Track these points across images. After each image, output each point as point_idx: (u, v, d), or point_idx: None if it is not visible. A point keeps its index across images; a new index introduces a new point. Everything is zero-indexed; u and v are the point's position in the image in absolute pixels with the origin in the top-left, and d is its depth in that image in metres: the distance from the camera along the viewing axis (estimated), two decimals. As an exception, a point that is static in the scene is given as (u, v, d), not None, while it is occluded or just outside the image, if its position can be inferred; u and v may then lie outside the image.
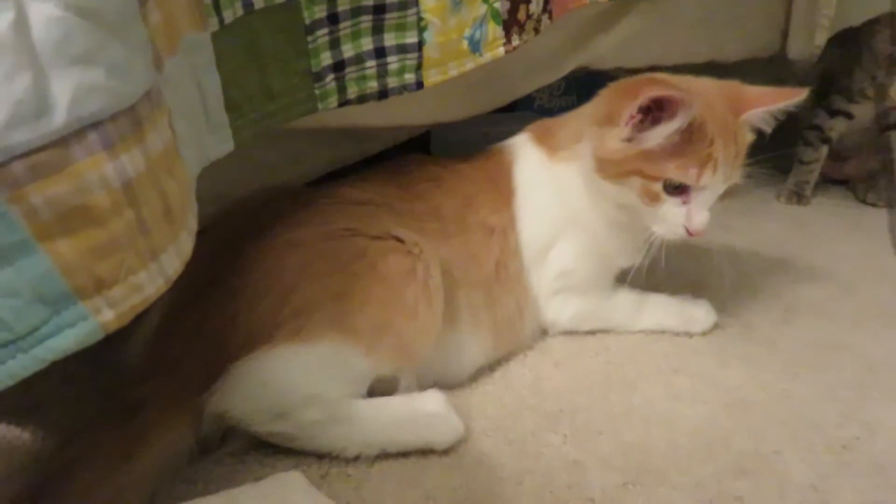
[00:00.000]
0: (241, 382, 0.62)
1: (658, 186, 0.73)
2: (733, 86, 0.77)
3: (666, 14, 1.10)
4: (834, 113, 1.35)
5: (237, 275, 0.66)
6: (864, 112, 1.34)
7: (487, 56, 0.76)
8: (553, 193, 0.82)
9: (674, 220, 0.74)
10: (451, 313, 0.73)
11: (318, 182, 0.86)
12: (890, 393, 0.80)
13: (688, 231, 0.74)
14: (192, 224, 0.52)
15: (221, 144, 0.61)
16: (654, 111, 0.70)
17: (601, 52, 1.02)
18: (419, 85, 0.72)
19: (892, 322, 0.95)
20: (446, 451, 0.68)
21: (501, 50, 0.77)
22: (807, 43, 1.33)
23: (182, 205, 0.49)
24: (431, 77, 0.72)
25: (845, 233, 1.27)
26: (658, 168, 0.72)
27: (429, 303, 0.69)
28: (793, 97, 0.75)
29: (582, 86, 1.47)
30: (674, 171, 0.72)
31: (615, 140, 0.73)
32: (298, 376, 0.64)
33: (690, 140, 0.71)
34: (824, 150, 1.38)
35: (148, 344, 0.65)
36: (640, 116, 0.71)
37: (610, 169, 0.75)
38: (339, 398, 0.65)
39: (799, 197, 1.40)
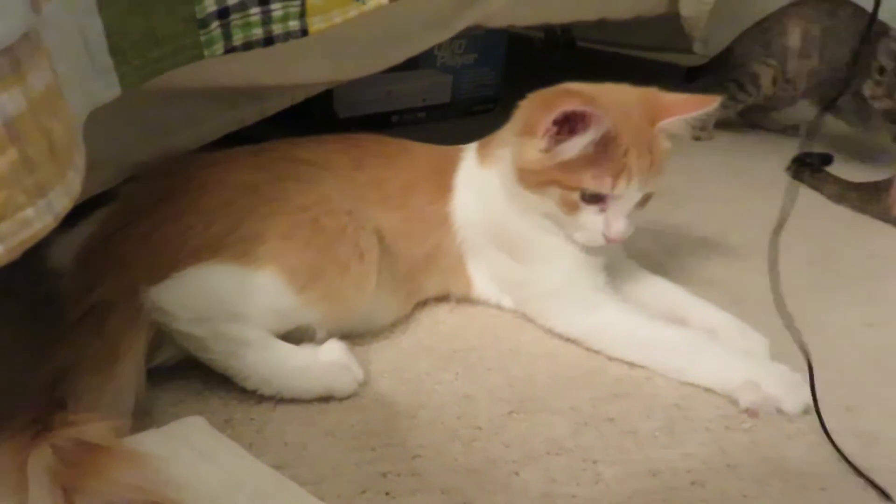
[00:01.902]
0: (178, 284, 0.67)
1: (576, 196, 0.76)
2: (651, 93, 0.79)
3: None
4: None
5: (192, 199, 0.72)
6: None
7: (371, 4, 0.78)
8: (481, 198, 0.84)
9: (592, 227, 0.78)
10: (379, 278, 0.77)
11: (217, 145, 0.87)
12: (751, 324, 0.88)
13: (606, 238, 0.78)
14: (80, 164, 0.53)
15: (108, 89, 0.62)
16: (570, 122, 0.73)
17: (493, 9, 1.05)
18: (304, 32, 0.74)
19: (761, 261, 1.04)
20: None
21: (385, -2, 0.79)
22: (697, 1, 1.41)
23: (68, 145, 0.50)
24: (315, 24, 0.75)
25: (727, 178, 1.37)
26: (575, 178, 0.75)
27: (360, 261, 0.75)
28: (709, 105, 0.77)
29: (483, 44, 1.51)
30: (589, 181, 0.75)
31: (533, 151, 0.76)
32: (231, 292, 0.68)
33: (605, 150, 0.74)
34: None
35: (90, 250, 0.70)
36: (555, 129, 0.73)
37: (530, 179, 0.77)
38: (260, 325, 0.70)
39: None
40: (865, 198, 1.22)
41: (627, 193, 0.76)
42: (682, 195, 1.25)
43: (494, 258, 0.85)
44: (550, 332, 0.83)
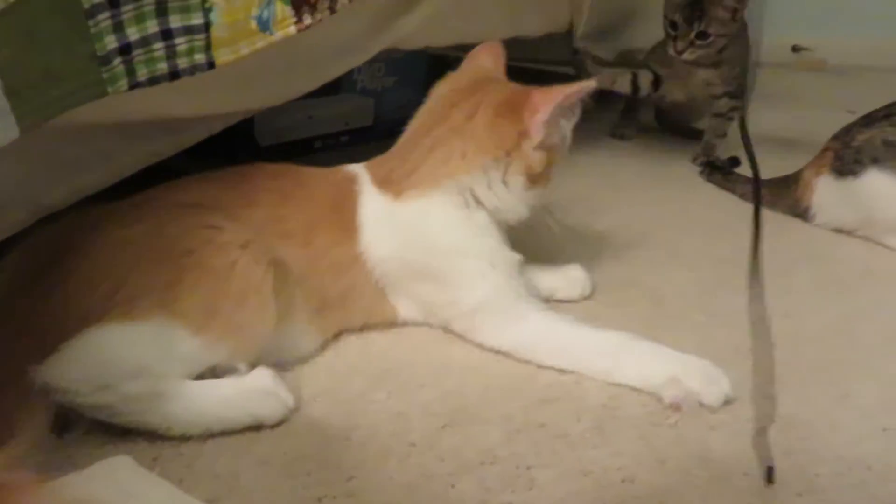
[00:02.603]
0: (68, 356, 0.64)
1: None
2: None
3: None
4: None
5: (73, 264, 0.70)
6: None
7: (279, 35, 0.79)
8: (398, 234, 0.84)
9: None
10: (288, 307, 0.77)
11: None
12: (673, 322, 0.92)
13: None
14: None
15: (5, 132, 0.60)
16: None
17: (407, 32, 1.07)
18: (210, 65, 0.74)
19: (681, 262, 1.09)
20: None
21: (293, 28, 0.80)
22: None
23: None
24: (223, 56, 0.75)
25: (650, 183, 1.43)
26: (561, 151, 0.86)
27: (258, 292, 0.73)
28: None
29: (403, 66, 1.53)
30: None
31: (534, 152, 0.83)
32: (125, 350, 0.67)
33: None
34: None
35: None
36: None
37: (541, 178, 0.85)
38: (166, 375, 0.68)
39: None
40: (775, 193, 1.27)
41: None
42: (604, 203, 1.29)
43: (418, 288, 0.86)
44: (481, 347, 0.85)
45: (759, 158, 1.51)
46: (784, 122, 1.85)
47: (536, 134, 0.82)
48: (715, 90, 1.51)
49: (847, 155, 1.14)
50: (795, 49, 2.87)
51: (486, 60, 0.92)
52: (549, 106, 0.80)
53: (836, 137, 1.18)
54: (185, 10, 0.70)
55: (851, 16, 2.84)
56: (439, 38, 1.19)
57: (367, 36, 1.01)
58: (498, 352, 0.83)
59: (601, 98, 1.45)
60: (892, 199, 1.10)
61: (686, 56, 1.41)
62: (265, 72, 0.88)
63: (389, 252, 0.84)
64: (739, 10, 1.39)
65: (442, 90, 0.90)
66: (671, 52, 1.42)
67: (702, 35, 1.38)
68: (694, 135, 1.65)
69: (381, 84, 1.51)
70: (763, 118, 1.97)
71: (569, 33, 1.48)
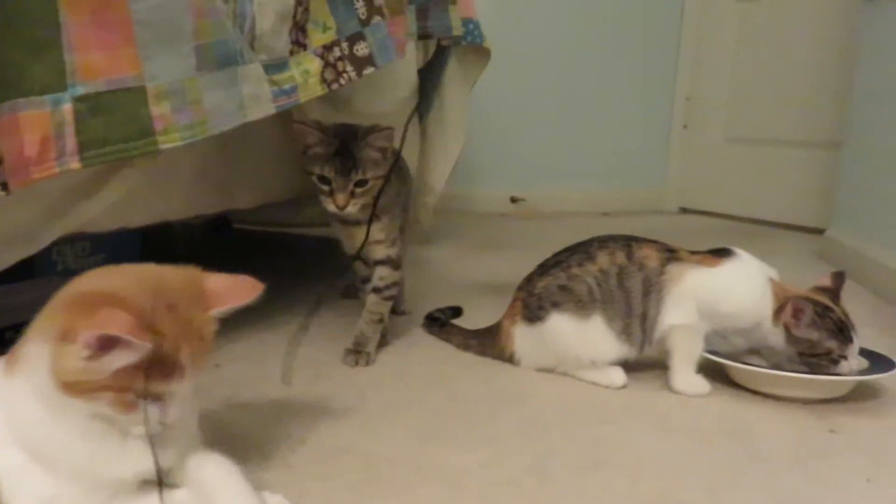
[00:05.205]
0: None
1: (131, 397, 0.71)
2: (195, 276, 0.78)
3: (162, 170, 1.17)
4: None
5: None
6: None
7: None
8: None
9: (152, 419, 0.73)
10: None
11: None
12: (384, 486, 0.91)
13: (164, 425, 0.74)
14: None
15: None
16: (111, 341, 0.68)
17: (91, 216, 1.03)
18: None
19: (397, 418, 1.10)
20: None
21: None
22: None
23: None
24: None
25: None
26: (128, 382, 0.70)
27: None
28: (256, 291, 0.79)
29: (113, 242, 1.47)
30: (143, 383, 0.71)
31: (75, 359, 0.68)
32: None
33: (158, 352, 0.71)
34: None
35: None
36: (97, 343, 0.68)
37: (75, 388, 0.70)
38: None
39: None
40: (484, 342, 1.37)
41: (181, 386, 0.74)
42: (324, 368, 1.30)
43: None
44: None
45: (477, 304, 1.63)
46: (502, 266, 2.03)
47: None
48: (378, 252, 1.38)
49: (532, 302, 1.26)
50: (514, 200, 3.22)
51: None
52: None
53: (521, 287, 1.31)
54: None
55: (558, 171, 3.28)
56: (137, 218, 1.16)
57: (39, 225, 0.96)
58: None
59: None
60: (575, 336, 1.23)
61: (350, 209, 1.26)
62: None
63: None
64: (388, 146, 1.29)
65: None
66: (331, 209, 1.27)
67: (361, 183, 1.25)
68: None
69: (86, 263, 1.42)
70: (482, 263, 2.16)
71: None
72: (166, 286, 0.75)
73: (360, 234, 1.35)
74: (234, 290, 0.78)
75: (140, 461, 0.75)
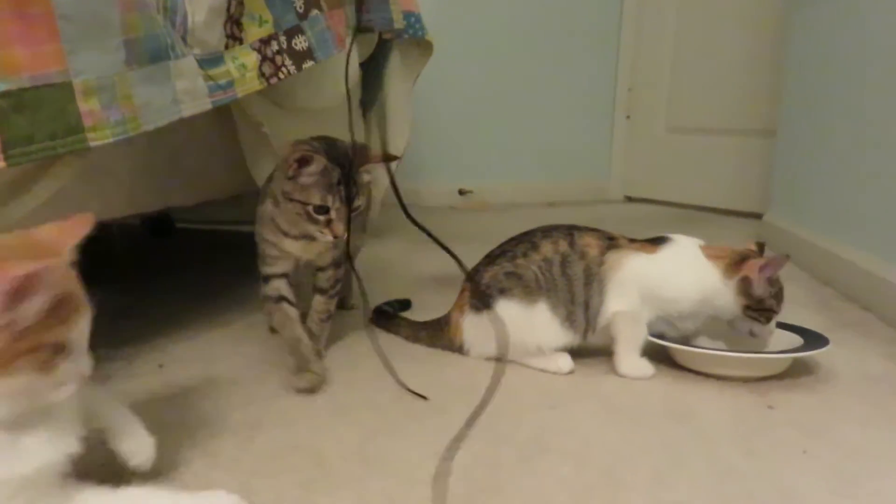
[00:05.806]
0: None
1: (47, 354, 0.68)
2: (24, 237, 0.73)
3: (97, 168, 1.13)
4: None
5: None
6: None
7: None
8: None
9: (71, 373, 0.71)
10: None
11: None
12: (332, 481, 0.91)
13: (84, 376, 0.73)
14: None
15: None
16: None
17: (19, 216, 1.00)
18: None
19: (343, 414, 1.10)
20: None
21: None
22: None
23: None
24: None
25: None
26: (37, 338, 0.67)
27: None
28: (87, 226, 0.75)
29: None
30: (56, 328, 0.69)
31: None
32: None
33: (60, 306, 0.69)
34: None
35: None
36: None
37: None
38: None
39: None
40: (433, 334, 1.37)
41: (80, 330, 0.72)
42: (270, 366, 1.28)
43: None
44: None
45: (425, 297, 1.63)
46: (451, 259, 2.03)
47: None
48: (325, 259, 1.33)
49: (479, 291, 1.27)
50: (462, 192, 3.23)
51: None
52: None
53: (468, 278, 1.31)
54: None
55: (504, 163, 3.30)
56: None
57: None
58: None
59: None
60: (521, 322, 1.24)
61: (342, 234, 1.20)
62: None
63: None
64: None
65: None
66: (324, 239, 1.20)
67: (356, 209, 1.23)
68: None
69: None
70: (432, 258, 2.16)
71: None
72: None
73: (313, 246, 1.28)
74: (66, 231, 0.74)
75: (40, 454, 0.71)
